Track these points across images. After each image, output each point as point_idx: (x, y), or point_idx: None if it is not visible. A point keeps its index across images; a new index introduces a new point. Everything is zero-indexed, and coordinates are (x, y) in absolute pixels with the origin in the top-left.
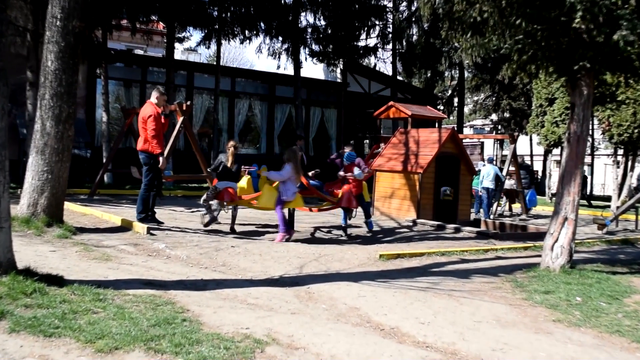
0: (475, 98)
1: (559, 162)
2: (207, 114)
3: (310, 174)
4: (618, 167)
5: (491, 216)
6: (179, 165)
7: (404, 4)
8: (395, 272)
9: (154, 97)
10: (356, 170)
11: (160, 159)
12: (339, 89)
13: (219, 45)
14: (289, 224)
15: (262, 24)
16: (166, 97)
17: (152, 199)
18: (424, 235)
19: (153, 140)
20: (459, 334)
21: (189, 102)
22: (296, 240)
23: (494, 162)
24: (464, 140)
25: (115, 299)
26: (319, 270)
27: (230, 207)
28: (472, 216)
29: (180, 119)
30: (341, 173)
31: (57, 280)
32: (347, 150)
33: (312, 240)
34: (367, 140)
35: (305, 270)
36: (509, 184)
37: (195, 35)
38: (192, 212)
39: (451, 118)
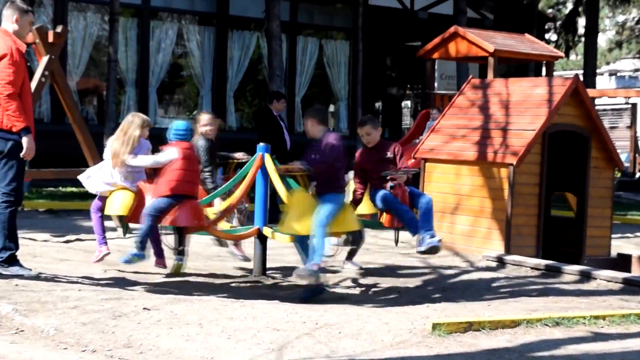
0: (621, 18)
1: None
2: (97, 50)
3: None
4: None
5: None
6: (42, 151)
7: None
8: (463, 359)
9: (8, 18)
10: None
11: (25, 139)
12: (353, 1)
13: None
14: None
15: None
16: (32, 18)
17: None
18: (518, 286)
19: (9, 103)
20: None
21: (59, 28)
22: (272, 298)
23: None
24: (597, 101)
25: None
26: (316, 354)
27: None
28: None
29: (44, 61)
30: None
31: None
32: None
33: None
34: (409, 101)
35: (288, 354)
36: None
37: None
38: (68, 242)
39: (573, 57)
